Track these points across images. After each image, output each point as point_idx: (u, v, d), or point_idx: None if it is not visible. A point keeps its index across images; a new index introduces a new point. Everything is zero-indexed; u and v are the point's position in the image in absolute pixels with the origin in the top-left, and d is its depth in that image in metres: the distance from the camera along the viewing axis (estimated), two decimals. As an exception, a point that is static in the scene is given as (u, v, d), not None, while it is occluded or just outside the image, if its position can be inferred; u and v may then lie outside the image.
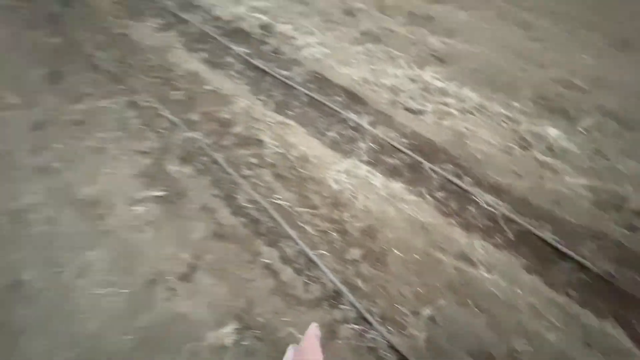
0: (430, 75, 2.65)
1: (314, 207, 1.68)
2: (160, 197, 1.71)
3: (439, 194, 1.77)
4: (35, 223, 1.65)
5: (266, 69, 2.69)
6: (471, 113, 2.30)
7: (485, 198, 1.75)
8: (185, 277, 1.40)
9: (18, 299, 1.40)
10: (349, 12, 3.55)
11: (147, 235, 1.55)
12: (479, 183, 1.84)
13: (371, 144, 2.04)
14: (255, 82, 2.60)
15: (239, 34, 3.17)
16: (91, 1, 3.71)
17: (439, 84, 2.55)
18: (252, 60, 2.78)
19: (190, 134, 2.03)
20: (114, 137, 2.02)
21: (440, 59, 2.86)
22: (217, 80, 2.57)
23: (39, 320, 1.35)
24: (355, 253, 1.49)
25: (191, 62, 2.75)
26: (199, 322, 1.27)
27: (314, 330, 0.48)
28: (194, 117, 2.22)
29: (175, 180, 1.80)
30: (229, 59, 2.84)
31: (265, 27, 3.17)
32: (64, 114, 2.19)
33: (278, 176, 1.84)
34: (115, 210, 1.65)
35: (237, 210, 1.66)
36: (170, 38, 3.04)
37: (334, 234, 1.56)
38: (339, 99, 2.45)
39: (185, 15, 3.43)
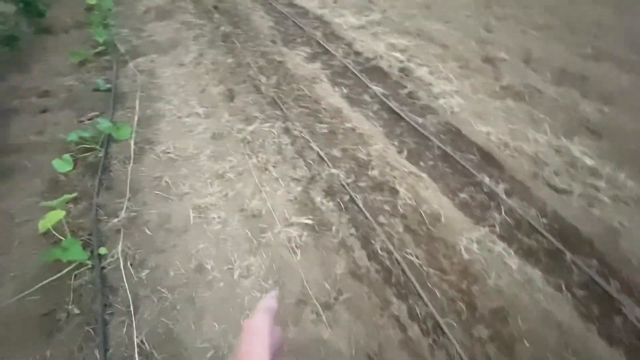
0: (579, 148, 2.48)
1: (444, 272, 1.79)
2: (308, 225, 2.02)
3: (580, 292, 1.69)
4: (213, 221, 2.12)
5: (401, 113, 2.86)
6: (627, 204, 2.10)
7: (635, 312, 1.62)
8: (328, 307, 1.66)
9: (201, 282, 1.84)
10: (489, 61, 3.50)
11: (297, 258, 1.87)
12: (629, 291, 1.70)
13: (506, 217, 2.04)
14: (390, 125, 2.80)
15: (377, 73, 3.42)
16: (254, 24, 4.42)
17: (590, 161, 2.38)
18: (388, 102, 2.99)
19: (333, 170, 2.33)
20: (274, 161, 2.43)
21: (593, 131, 2.65)
22: (355, 119, 2.84)
23: (214, 304, 1.75)
24: (483, 332, 1.56)
25: (334, 97, 3.09)
26: (338, 352, 1.50)
27: (268, 302, 0.40)
28: (336, 153, 2.52)
29: (320, 211, 2.10)
30: (367, 98, 3.10)
31: (403, 70, 3.35)
32: (236, 131, 2.71)
33: (409, 229, 2.00)
34: (274, 228, 2.01)
35: (372, 255, 1.87)
36: (316, 70, 3.45)
37: (462, 305, 1.65)
38: (473, 157, 2.49)
39: (329, 47, 3.84)
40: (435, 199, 2.16)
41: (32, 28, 4.34)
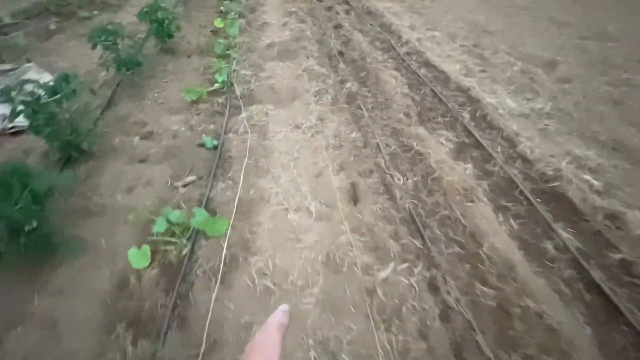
0: None
1: None
2: None
3: None
4: None
5: (619, 304, 1.74)
6: None
7: None
8: None
9: None
10: None
11: None
12: None
13: None
14: (602, 324, 1.70)
15: (561, 203, 2.33)
16: (384, 86, 3.64)
17: None
18: (588, 269, 1.89)
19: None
20: (418, 354, 1.52)
21: None
22: (539, 290, 1.80)
23: None
24: None
25: (500, 234, 2.09)
26: None
27: (279, 317, 0.35)
28: (518, 366, 1.52)
29: None
30: (550, 248, 2.03)
31: (608, 215, 2.21)
32: (360, 268, 1.87)
33: None
34: None
35: None
36: (469, 177, 2.49)
37: None
38: None
39: (482, 139, 2.86)
40: None
41: (159, 47, 4.16)
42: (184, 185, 2.37)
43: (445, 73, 3.88)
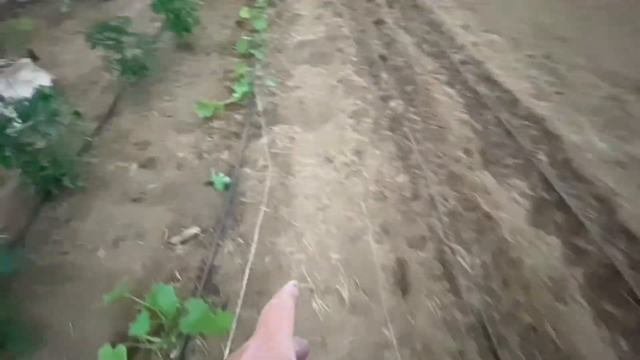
0: None
1: None
2: None
3: None
4: None
5: None
6: None
7: None
8: None
9: None
10: None
11: None
12: None
13: None
14: None
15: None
16: (437, 108, 2.91)
17: None
18: None
19: None
20: None
21: None
22: None
23: None
24: None
25: (610, 367, 1.44)
26: None
27: (290, 289, 0.34)
28: None
29: None
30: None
31: None
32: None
33: None
34: None
35: None
36: (557, 259, 1.81)
37: None
38: None
39: (567, 195, 2.14)
40: None
41: (175, 42, 3.55)
42: (183, 242, 1.82)
43: (511, 93, 3.08)
